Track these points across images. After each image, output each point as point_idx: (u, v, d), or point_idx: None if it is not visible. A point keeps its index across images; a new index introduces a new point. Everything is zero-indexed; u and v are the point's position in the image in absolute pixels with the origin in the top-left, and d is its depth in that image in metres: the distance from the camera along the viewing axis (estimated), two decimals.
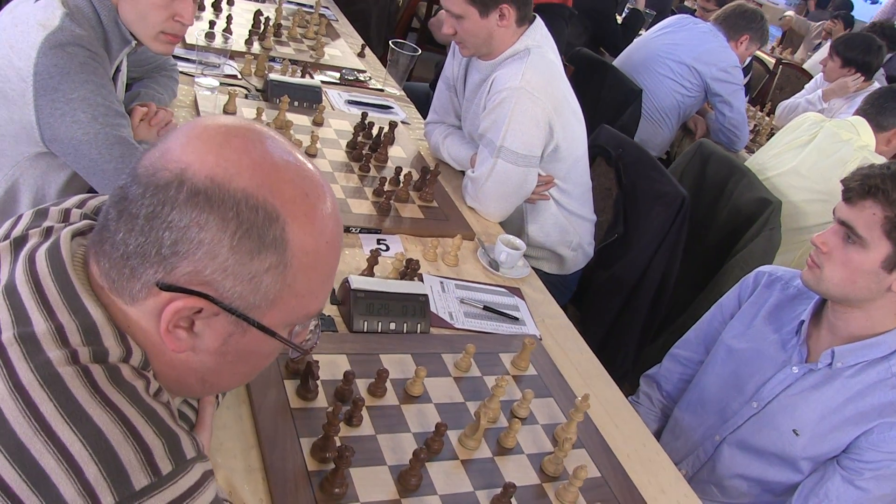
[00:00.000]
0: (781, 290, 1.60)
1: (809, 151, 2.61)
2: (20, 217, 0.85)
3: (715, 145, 2.73)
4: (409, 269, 1.57)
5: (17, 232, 0.82)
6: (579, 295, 2.38)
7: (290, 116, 1.99)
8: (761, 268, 1.67)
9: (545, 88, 1.79)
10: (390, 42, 2.47)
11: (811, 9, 8.46)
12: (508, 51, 1.85)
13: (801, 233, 2.64)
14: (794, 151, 2.66)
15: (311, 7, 3.01)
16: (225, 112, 1.97)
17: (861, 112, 2.71)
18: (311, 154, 1.89)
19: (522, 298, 1.72)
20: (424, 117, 2.57)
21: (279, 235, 0.70)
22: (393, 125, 2.08)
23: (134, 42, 1.55)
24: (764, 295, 1.61)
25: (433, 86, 3.11)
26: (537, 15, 1.88)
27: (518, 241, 1.79)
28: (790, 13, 6.98)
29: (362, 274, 1.54)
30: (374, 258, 1.54)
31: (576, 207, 2.06)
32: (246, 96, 2.11)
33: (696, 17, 4.27)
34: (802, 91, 4.00)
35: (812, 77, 4.84)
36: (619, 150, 2.35)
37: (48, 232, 0.81)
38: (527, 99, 1.76)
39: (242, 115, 1.98)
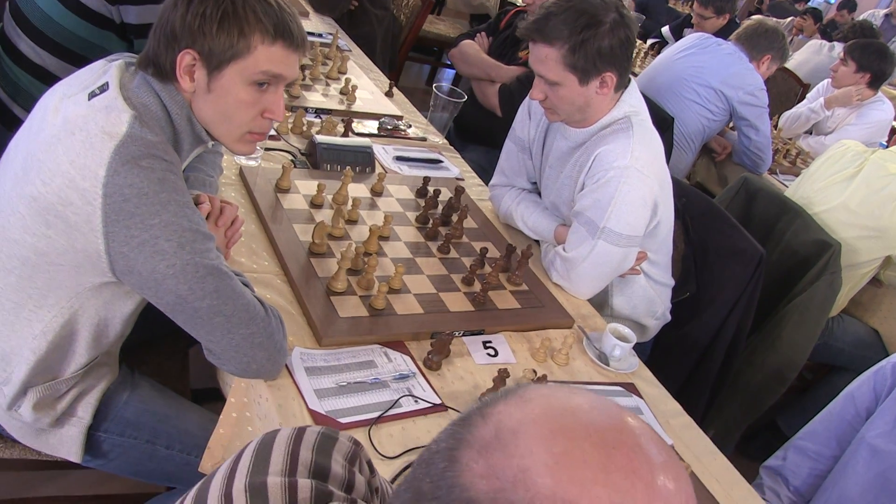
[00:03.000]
0: None
1: (857, 186, 2.53)
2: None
3: (762, 181, 2.63)
4: None
5: None
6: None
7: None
8: None
9: (653, 165, 1.63)
10: (433, 87, 2.25)
11: None
12: (605, 119, 1.67)
13: (852, 269, 2.57)
14: (840, 185, 2.57)
15: (321, 35, 2.75)
16: (278, 189, 1.73)
17: None
18: (384, 237, 1.68)
19: (640, 396, 1.57)
20: (456, 148, 2.36)
21: None
22: (459, 191, 1.88)
23: (210, 143, 1.30)
24: None
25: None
26: (632, 77, 1.71)
27: (627, 331, 1.64)
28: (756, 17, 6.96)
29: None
30: (501, 379, 1.36)
31: (661, 276, 1.92)
32: (293, 163, 1.87)
33: (692, 24, 4.18)
34: (804, 101, 3.95)
35: (794, 74, 4.83)
36: (683, 199, 2.21)
37: None
38: (636, 178, 1.59)
39: (298, 191, 1.75)
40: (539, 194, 1.94)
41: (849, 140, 2.72)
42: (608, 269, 1.71)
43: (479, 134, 2.71)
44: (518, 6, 2.87)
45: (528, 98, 1.90)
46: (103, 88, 1.20)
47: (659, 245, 1.82)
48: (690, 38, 3.24)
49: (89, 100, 1.19)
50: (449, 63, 5.11)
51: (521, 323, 1.61)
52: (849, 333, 2.69)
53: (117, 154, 1.11)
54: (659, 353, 2.24)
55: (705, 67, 3.06)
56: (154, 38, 1.22)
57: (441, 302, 1.56)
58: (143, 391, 1.43)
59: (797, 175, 3.41)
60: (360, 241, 1.66)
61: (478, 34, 2.84)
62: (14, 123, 2.00)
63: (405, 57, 3.66)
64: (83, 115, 1.16)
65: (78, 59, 1.96)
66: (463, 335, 1.52)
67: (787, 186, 3.10)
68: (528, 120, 1.88)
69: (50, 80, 1.96)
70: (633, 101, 1.69)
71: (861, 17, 6.36)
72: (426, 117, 2.42)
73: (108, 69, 1.25)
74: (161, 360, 1.69)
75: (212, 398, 1.58)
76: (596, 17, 1.54)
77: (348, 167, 1.75)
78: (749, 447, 2.85)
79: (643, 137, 1.63)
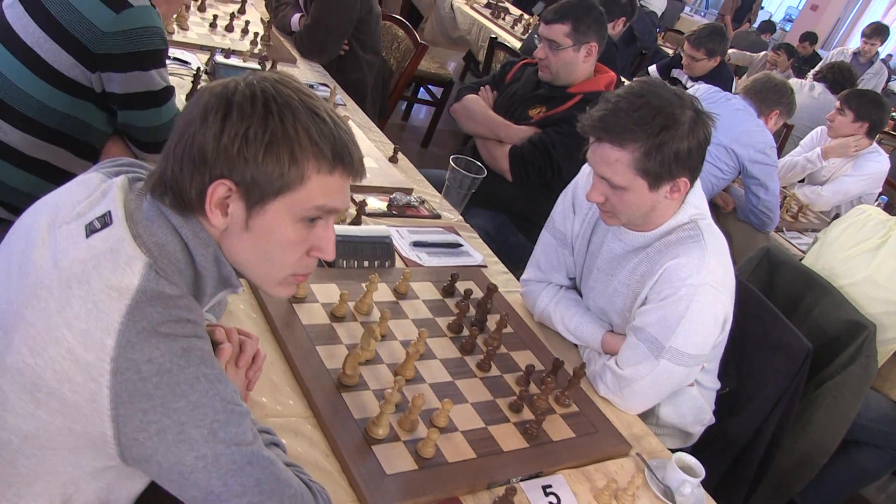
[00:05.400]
0: None
1: (884, 258, 2.42)
2: None
3: (785, 253, 2.50)
4: None
5: None
6: None
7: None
8: None
9: (726, 280, 1.46)
10: (451, 159, 2.05)
11: (728, 24, 8.61)
12: (669, 223, 1.49)
13: (879, 345, 2.45)
14: (865, 256, 2.46)
15: (313, 86, 2.52)
16: (293, 297, 1.50)
17: None
18: (419, 352, 1.46)
19: None
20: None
21: None
22: (492, 290, 1.67)
23: (241, 288, 1.07)
24: None
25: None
26: None
27: (693, 462, 1.46)
28: (731, 50, 6.95)
29: None
30: None
31: (710, 381, 1.76)
32: None
33: (682, 65, 4.07)
34: (797, 148, 3.87)
35: None
36: None
37: None
38: (710, 296, 1.42)
39: (316, 299, 1.52)
40: (578, 291, 1.75)
41: (869, 206, 2.62)
42: (668, 388, 1.54)
43: (485, 198, 2.51)
44: (525, 58, 2.68)
45: (570, 187, 1.72)
46: (105, 221, 0.96)
47: (716, 353, 1.66)
48: (697, 90, 3.12)
49: (88, 237, 0.94)
50: (427, 99, 4.91)
51: (578, 457, 1.42)
52: (871, 409, 2.57)
53: (130, 318, 0.87)
54: (694, 450, 2.07)
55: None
56: (173, 158, 0.97)
57: (492, 439, 1.36)
58: None
59: (801, 231, 3.33)
60: (392, 361, 1.44)
61: (481, 87, 2.64)
62: None
63: (395, 103, 3.45)
64: (81, 260, 0.91)
65: (48, 134, 1.70)
66: (520, 480, 1.32)
67: (801, 251, 2.99)
68: (571, 214, 1.69)
69: (13, 157, 1.70)
70: (696, 202, 1.52)
71: (831, 55, 6.41)
72: (440, 191, 2.21)
73: (107, 190, 1.01)
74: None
75: None
76: (673, 117, 1.36)
77: (374, 275, 1.53)
78: None
79: (716, 248, 1.46)
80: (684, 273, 1.42)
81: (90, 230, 0.95)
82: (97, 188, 1.03)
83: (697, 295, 1.41)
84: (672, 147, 1.36)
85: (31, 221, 1.03)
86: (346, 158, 0.98)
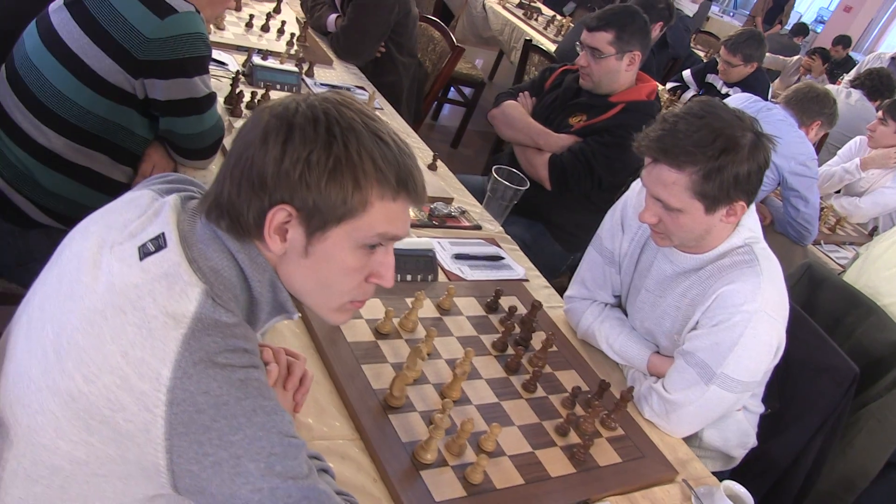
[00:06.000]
0: None
1: None
2: None
3: (827, 270, 2.44)
4: None
5: None
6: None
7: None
8: None
9: (781, 306, 1.43)
10: (493, 170, 2.01)
11: (759, 25, 8.49)
12: (723, 246, 1.46)
13: None
14: None
15: (350, 90, 2.49)
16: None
17: None
18: (466, 373, 1.44)
19: None
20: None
21: None
22: (536, 307, 1.64)
23: (297, 315, 1.05)
24: None
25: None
26: None
27: (742, 491, 1.43)
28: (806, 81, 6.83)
29: None
30: None
31: (756, 406, 1.72)
32: None
33: (717, 70, 4.01)
34: (835, 158, 3.80)
35: None
36: None
37: None
38: (765, 323, 1.39)
39: (360, 315, 1.50)
40: (623, 310, 1.72)
41: None
42: (716, 413, 1.51)
43: (523, 206, 2.47)
44: (565, 65, 2.64)
45: (619, 204, 1.68)
46: (159, 244, 0.93)
47: (763, 378, 1.62)
48: (736, 99, 3.06)
49: (141, 259, 0.92)
50: (458, 100, 4.87)
51: (624, 483, 1.39)
52: None
53: (187, 348, 0.85)
54: (734, 472, 2.04)
55: None
56: (230, 181, 0.95)
57: (540, 465, 1.33)
58: None
59: (839, 244, 3.27)
60: (438, 381, 1.42)
61: (520, 94, 2.61)
62: (15, 216, 1.71)
63: (430, 107, 3.41)
64: (135, 284, 0.89)
65: (90, 139, 1.69)
66: None
67: (839, 265, 2.93)
68: (620, 232, 1.65)
69: (55, 162, 1.69)
70: (751, 224, 1.48)
71: (866, 60, 6.29)
72: (480, 202, 2.19)
73: (160, 209, 0.99)
74: None
75: None
76: (733, 139, 1.32)
77: (420, 292, 1.50)
78: None
79: (771, 274, 1.42)
80: (739, 299, 1.39)
81: (144, 253, 0.93)
82: (149, 207, 1.00)
83: (752, 322, 1.38)
84: (731, 171, 1.32)
85: (82, 240, 1.00)
86: (409, 185, 0.95)
